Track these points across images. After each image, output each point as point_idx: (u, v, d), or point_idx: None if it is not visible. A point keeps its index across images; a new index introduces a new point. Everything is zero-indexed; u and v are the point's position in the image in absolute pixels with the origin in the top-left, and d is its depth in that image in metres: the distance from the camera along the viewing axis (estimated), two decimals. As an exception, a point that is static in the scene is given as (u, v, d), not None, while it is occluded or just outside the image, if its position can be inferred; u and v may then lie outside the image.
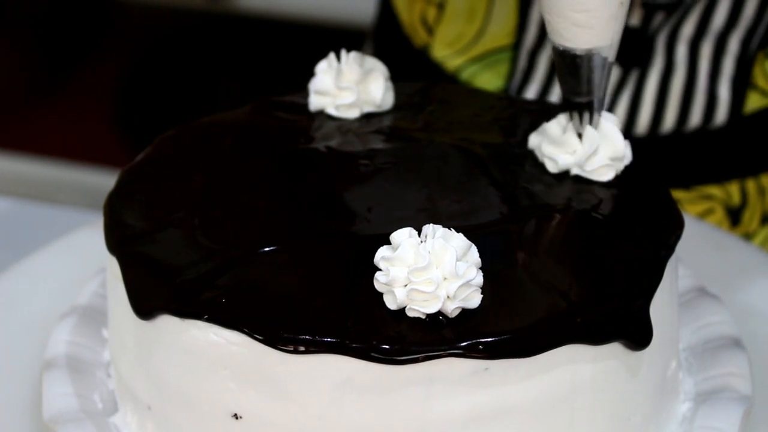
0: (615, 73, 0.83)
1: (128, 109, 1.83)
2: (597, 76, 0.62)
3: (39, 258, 0.76)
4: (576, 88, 0.62)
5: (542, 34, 0.84)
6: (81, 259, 0.75)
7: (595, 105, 0.63)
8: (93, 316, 0.68)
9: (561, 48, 0.61)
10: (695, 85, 0.83)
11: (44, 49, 1.94)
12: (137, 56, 1.90)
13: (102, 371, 0.65)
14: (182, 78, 1.81)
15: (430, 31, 0.88)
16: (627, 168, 0.64)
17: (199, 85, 1.78)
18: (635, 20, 0.82)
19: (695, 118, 0.84)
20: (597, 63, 0.62)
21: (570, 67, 0.62)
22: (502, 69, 0.86)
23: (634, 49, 0.82)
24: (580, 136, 0.63)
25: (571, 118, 0.63)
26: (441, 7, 0.87)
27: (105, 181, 1.61)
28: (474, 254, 0.55)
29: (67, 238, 0.77)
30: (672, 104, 0.83)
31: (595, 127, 0.63)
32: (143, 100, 1.83)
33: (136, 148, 1.73)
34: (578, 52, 0.61)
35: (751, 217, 0.86)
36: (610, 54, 0.62)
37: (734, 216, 0.86)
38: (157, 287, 0.58)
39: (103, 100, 1.83)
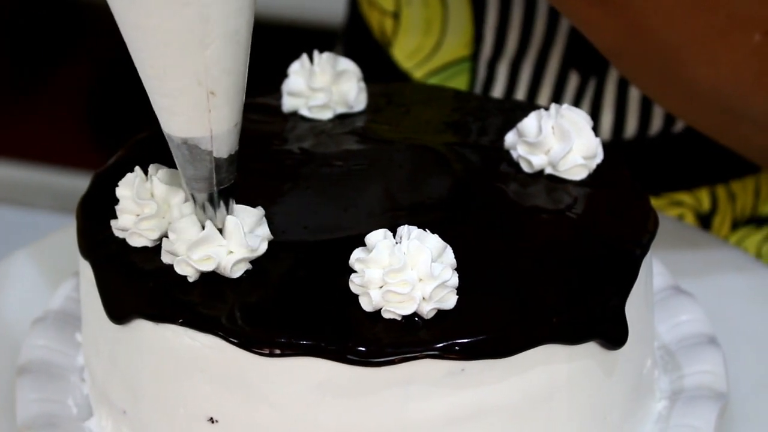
0: (574, 82, 0.83)
1: (101, 111, 1.82)
2: (202, 168, 0.55)
3: (10, 262, 0.75)
4: (190, 179, 0.56)
5: (499, 44, 0.85)
6: (54, 263, 0.75)
7: (214, 200, 0.56)
8: (66, 321, 0.67)
9: (164, 132, 0.55)
10: None
11: (16, 52, 1.93)
12: (109, 59, 1.89)
13: (76, 376, 0.65)
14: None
15: (389, 43, 0.88)
16: (599, 167, 0.64)
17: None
18: None
19: (656, 123, 0.84)
20: (200, 155, 0.55)
21: (177, 156, 0.56)
22: (462, 80, 0.86)
23: (591, 57, 0.83)
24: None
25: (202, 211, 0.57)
26: (396, 17, 0.87)
27: (76, 183, 1.61)
28: (449, 255, 0.55)
29: (39, 242, 0.77)
30: (632, 110, 0.83)
31: (220, 224, 0.56)
32: (116, 103, 1.82)
33: (108, 150, 1.72)
34: (175, 141, 0.55)
35: (721, 223, 0.87)
36: (216, 148, 0.55)
37: (704, 222, 0.86)
38: (131, 291, 0.57)
39: (76, 103, 1.82)
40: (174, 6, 0.51)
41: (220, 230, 0.56)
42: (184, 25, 0.51)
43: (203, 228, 0.56)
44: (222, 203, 0.56)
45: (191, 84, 0.53)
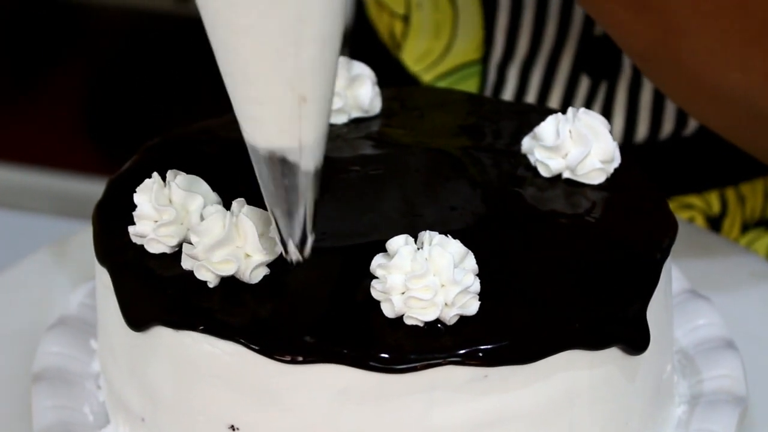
0: (585, 85, 0.83)
1: (98, 113, 1.81)
2: (288, 183, 0.52)
3: (21, 269, 0.75)
4: (272, 195, 0.53)
5: (509, 48, 0.84)
6: (65, 270, 0.74)
7: (299, 219, 0.53)
8: (80, 327, 0.67)
9: (248, 145, 0.53)
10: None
11: (12, 53, 1.92)
12: (106, 60, 1.88)
13: (91, 383, 0.65)
14: (153, 82, 1.80)
15: (398, 46, 0.88)
16: (616, 170, 0.64)
17: (171, 90, 1.77)
18: (602, 30, 0.82)
19: (667, 126, 0.84)
20: (286, 168, 0.52)
21: (260, 168, 0.53)
22: (472, 83, 0.86)
23: (602, 61, 0.82)
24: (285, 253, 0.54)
25: (279, 233, 0.54)
26: (407, 20, 0.87)
27: (73, 187, 1.60)
28: (471, 261, 0.55)
29: (49, 247, 0.76)
30: (643, 114, 0.83)
31: (303, 251, 0.54)
32: (113, 105, 1.82)
33: (106, 153, 1.71)
34: (261, 152, 0.52)
35: (731, 225, 0.87)
36: (304, 160, 0.52)
37: (714, 225, 0.86)
38: (150, 298, 0.57)
39: (73, 105, 1.81)
40: (271, 4, 0.48)
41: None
42: (280, 26, 0.49)
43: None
44: (305, 220, 0.54)
45: (283, 89, 0.50)
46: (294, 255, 0.55)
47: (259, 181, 0.54)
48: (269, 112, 0.51)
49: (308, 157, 0.52)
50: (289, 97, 0.50)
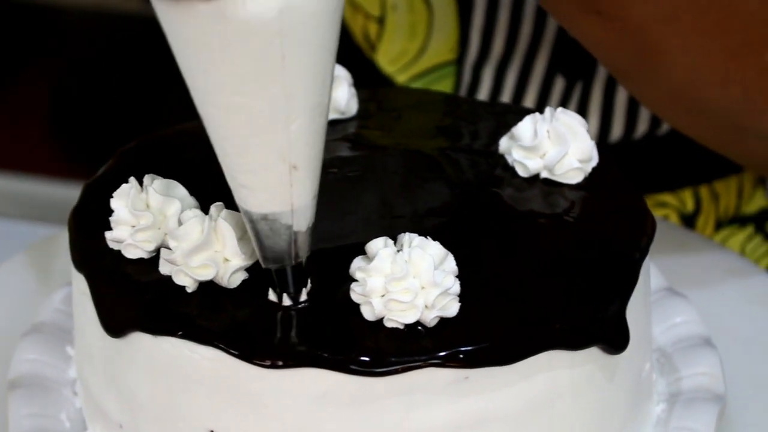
0: (560, 86, 0.83)
1: (64, 117, 1.80)
2: (281, 243, 0.54)
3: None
4: (264, 253, 0.54)
5: (484, 48, 0.84)
6: (39, 276, 0.74)
7: (293, 274, 0.55)
8: (56, 333, 0.66)
9: (240, 209, 0.54)
10: None
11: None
12: (73, 63, 1.87)
13: (68, 389, 0.64)
14: (125, 85, 1.79)
15: (372, 47, 0.88)
16: (594, 170, 0.64)
17: (144, 92, 1.76)
18: None
19: (642, 126, 0.84)
20: (279, 230, 0.53)
21: (253, 231, 0.54)
22: (447, 84, 0.86)
23: (577, 61, 0.82)
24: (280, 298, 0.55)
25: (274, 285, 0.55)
26: (381, 23, 0.87)
27: (39, 190, 1.59)
28: (451, 262, 0.55)
29: (22, 253, 0.76)
30: (618, 114, 0.83)
31: (299, 297, 0.55)
32: (79, 109, 1.81)
33: (71, 156, 1.70)
34: (254, 216, 0.53)
35: (705, 223, 0.87)
36: (296, 221, 0.53)
37: (688, 222, 0.87)
38: (128, 304, 0.56)
39: (38, 109, 1.80)
40: (260, 84, 0.49)
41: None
42: (269, 103, 0.50)
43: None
44: (299, 276, 0.55)
45: (275, 160, 0.51)
46: (288, 304, 0.55)
47: (252, 240, 0.54)
48: (261, 180, 0.52)
49: (300, 219, 0.54)
50: (281, 166, 0.51)
